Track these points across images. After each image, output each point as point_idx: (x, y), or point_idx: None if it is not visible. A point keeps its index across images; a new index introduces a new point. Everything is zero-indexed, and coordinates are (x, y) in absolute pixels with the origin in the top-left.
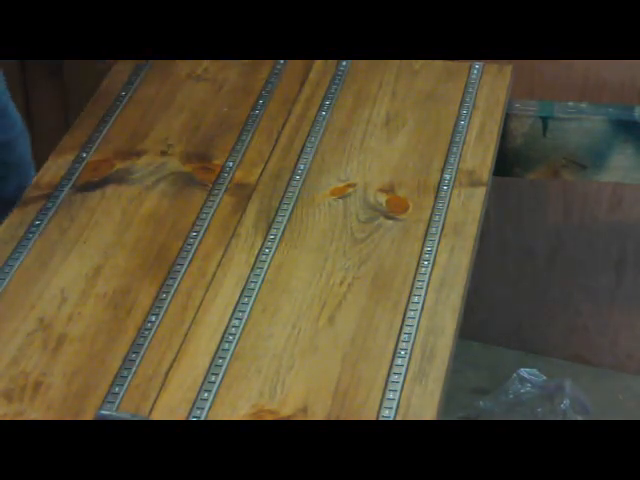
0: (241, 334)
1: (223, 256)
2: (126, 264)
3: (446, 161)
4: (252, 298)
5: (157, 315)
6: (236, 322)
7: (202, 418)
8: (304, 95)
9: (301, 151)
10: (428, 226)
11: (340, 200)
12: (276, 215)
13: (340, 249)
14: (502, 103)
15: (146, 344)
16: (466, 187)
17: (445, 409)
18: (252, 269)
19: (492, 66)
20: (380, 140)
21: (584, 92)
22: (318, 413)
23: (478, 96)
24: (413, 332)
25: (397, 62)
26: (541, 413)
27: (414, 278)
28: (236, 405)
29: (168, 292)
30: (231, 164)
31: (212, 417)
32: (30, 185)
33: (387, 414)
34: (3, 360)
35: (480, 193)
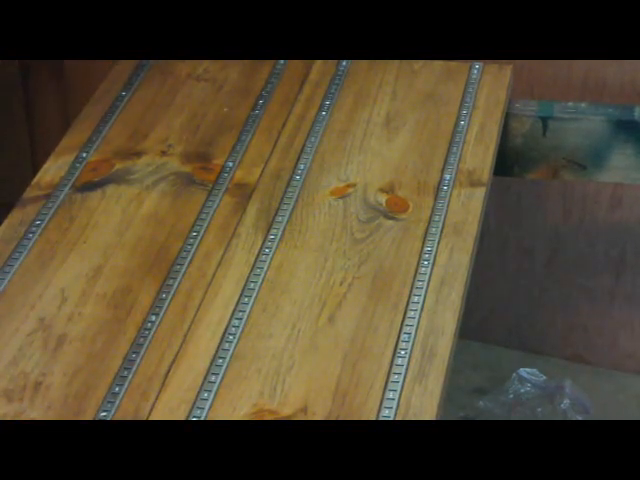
0: (241, 334)
1: (223, 256)
2: (126, 264)
3: (446, 161)
4: (252, 298)
5: (157, 315)
6: (236, 322)
7: (202, 418)
8: (304, 95)
9: (301, 151)
10: (428, 226)
11: (340, 200)
12: (276, 215)
13: (340, 249)
14: (502, 103)
15: (146, 344)
16: (466, 187)
17: (445, 409)
18: (252, 269)
19: (492, 66)
20: (380, 140)
21: (584, 92)
22: (318, 413)
23: (478, 96)
24: (413, 332)
25: (397, 62)
26: (541, 413)
27: (414, 278)
28: (236, 405)
29: (168, 292)
30: (231, 164)
31: (212, 417)
32: (30, 185)
33: (387, 414)
34: (3, 360)
35: (480, 193)
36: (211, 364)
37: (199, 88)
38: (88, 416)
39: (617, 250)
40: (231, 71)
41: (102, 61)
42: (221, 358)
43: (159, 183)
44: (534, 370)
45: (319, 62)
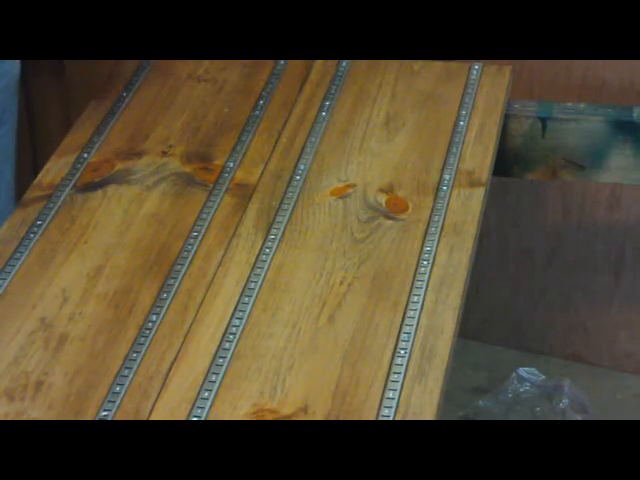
0: (241, 334)
1: (224, 256)
2: (127, 264)
3: (446, 161)
4: (252, 298)
5: (158, 315)
6: (236, 322)
7: (202, 418)
8: (304, 96)
9: (301, 151)
10: (428, 226)
11: (340, 200)
12: (276, 215)
13: (340, 249)
14: (501, 103)
15: (147, 344)
16: (465, 187)
17: (445, 409)
18: (252, 269)
19: (491, 66)
20: (380, 140)
21: (583, 93)
22: (318, 413)
23: (477, 96)
24: (413, 332)
25: (397, 62)
26: (540, 412)
27: (414, 278)
28: (236, 405)
29: (169, 292)
30: (231, 164)
31: (212, 417)
32: (31, 185)
33: (387, 414)
34: (5, 360)
35: (479, 193)
36: (211, 364)
37: (199, 89)
38: (89, 416)
39: (616, 250)
40: (231, 72)
41: (102, 61)
42: (221, 358)
43: (160, 183)
44: (533, 369)
45: (319, 62)
